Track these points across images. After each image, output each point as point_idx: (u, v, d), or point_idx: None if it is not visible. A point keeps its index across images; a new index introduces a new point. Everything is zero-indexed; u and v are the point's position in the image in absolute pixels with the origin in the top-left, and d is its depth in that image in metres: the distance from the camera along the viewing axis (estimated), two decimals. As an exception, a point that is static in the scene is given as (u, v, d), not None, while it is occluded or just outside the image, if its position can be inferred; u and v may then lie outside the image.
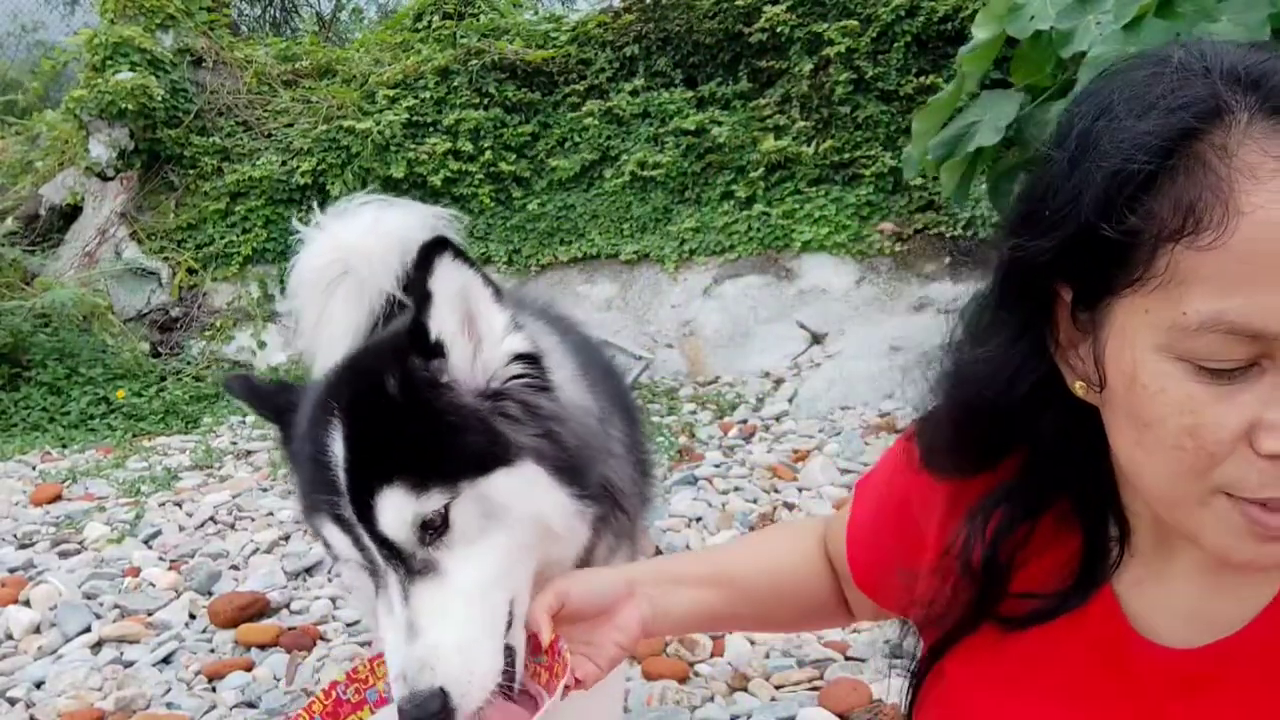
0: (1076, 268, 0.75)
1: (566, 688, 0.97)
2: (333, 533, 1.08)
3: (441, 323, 1.09)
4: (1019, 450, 0.88)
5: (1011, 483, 0.89)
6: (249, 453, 4.71)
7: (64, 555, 3.41)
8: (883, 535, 1.04)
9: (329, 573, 3.09)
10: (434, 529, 1.04)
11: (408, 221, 2.03)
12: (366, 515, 1.03)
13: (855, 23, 6.18)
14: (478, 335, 1.12)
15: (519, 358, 1.14)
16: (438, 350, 1.10)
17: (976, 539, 0.88)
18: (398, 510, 1.02)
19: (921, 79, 6.07)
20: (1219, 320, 0.66)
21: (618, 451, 1.31)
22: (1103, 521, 0.87)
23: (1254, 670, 0.80)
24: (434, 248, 1.07)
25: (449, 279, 1.08)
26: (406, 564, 1.04)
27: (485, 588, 1.05)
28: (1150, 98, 0.70)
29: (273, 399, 1.25)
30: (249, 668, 2.58)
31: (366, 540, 1.05)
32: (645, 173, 6.31)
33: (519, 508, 1.08)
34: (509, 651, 1.05)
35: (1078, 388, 0.80)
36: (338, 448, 1.06)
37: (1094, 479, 0.85)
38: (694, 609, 1.09)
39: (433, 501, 1.02)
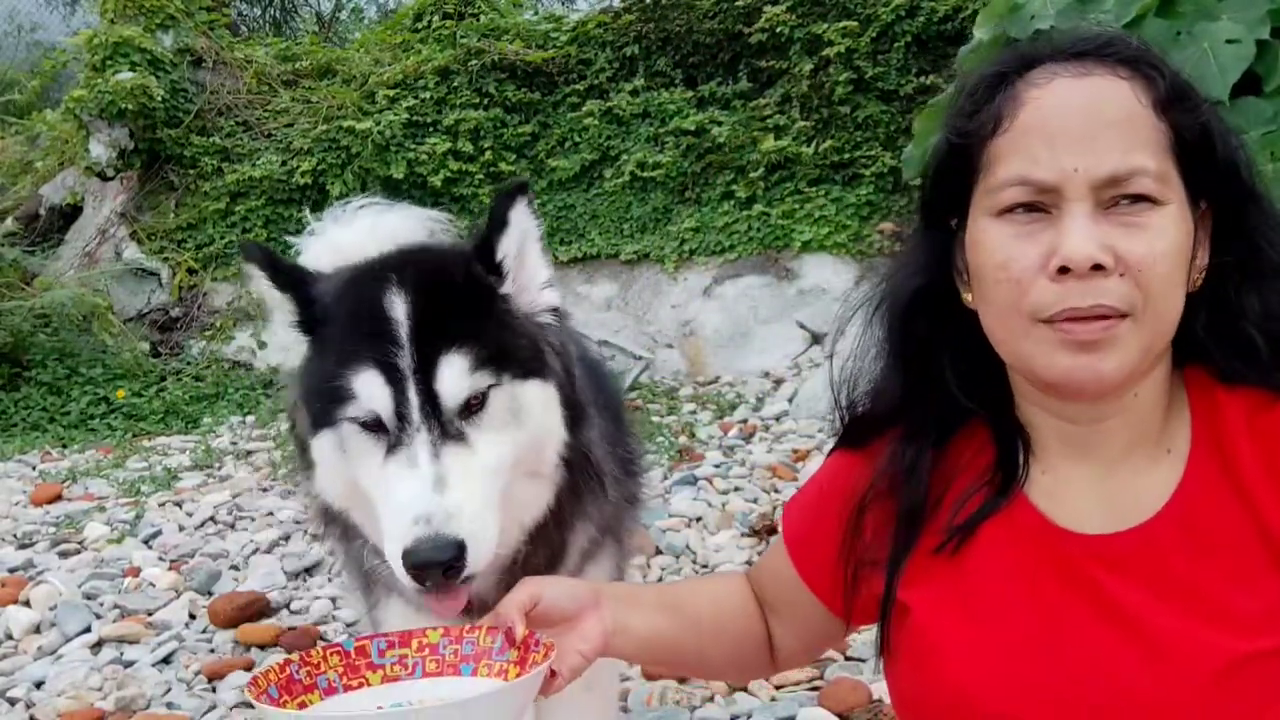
0: (949, 191, 1.01)
1: (553, 672, 0.99)
2: (373, 382, 1.12)
3: (506, 249, 1.25)
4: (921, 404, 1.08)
5: (918, 419, 1.08)
6: (249, 453, 4.71)
7: (64, 555, 3.41)
8: (815, 512, 1.17)
9: (329, 573, 3.09)
10: (471, 406, 1.13)
11: (406, 225, 2.02)
12: (423, 371, 1.11)
13: (855, 23, 6.18)
14: (526, 276, 1.27)
15: (553, 310, 1.30)
16: (498, 269, 1.24)
17: (896, 466, 1.07)
18: (455, 375, 1.12)
19: (921, 79, 6.07)
20: (1011, 177, 0.93)
21: (597, 435, 1.36)
22: (1010, 434, 1.04)
23: (1170, 545, 0.94)
24: (522, 188, 1.27)
25: (523, 219, 1.26)
26: (443, 427, 1.11)
27: (498, 472, 1.14)
28: (1001, 58, 1.01)
29: (291, 272, 1.29)
30: (249, 668, 2.58)
31: (413, 393, 1.11)
32: (645, 173, 6.31)
33: (536, 417, 1.19)
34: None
35: (966, 298, 1.02)
36: (399, 310, 1.14)
37: (993, 400, 1.05)
38: (648, 632, 1.15)
39: (483, 380, 1.14)
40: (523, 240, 1.27)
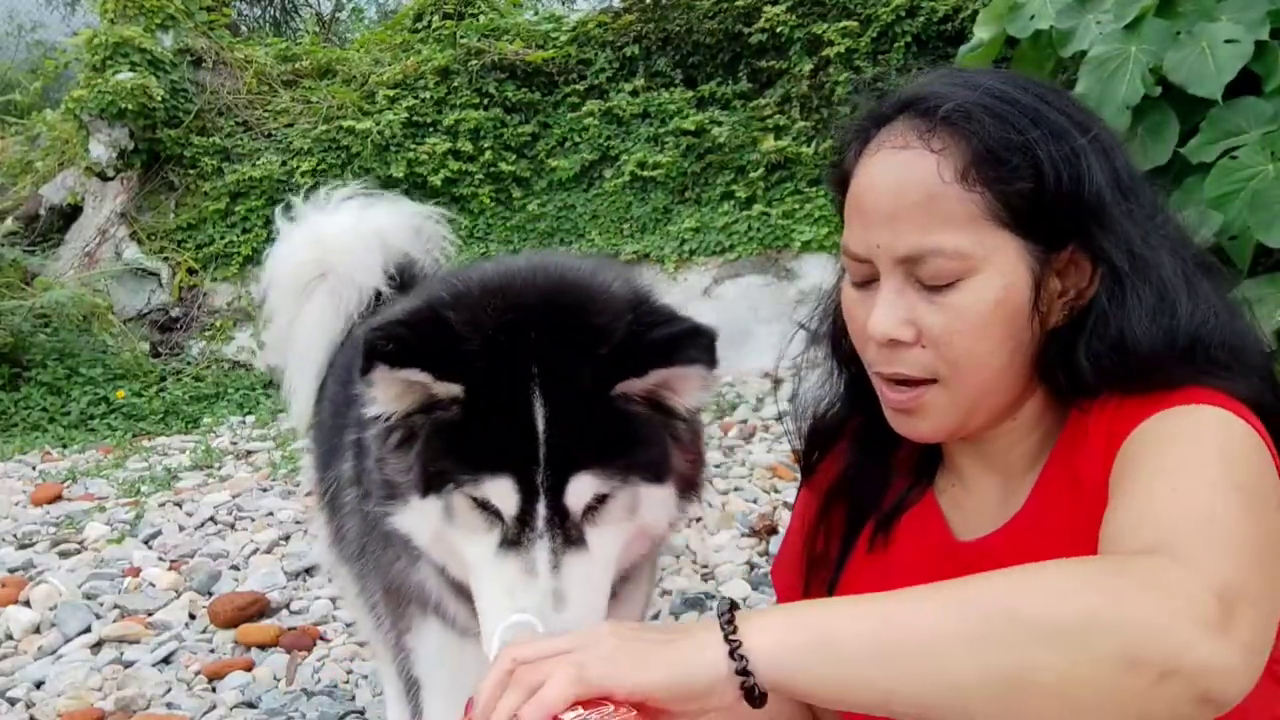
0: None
1: None
2: (503, 487, 1.07)
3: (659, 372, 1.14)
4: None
5: (863, 428, 1.14)
6: (249, 453, 4.71)
7: (64, 555, 3.41)
8: (799, 558, 1.21)
9: (329, 573, 3.09)
10: (593, 506, 1.09)
11: (392, 220, 1.97)
12: (555, 484, 1.07)
13: (855, 23, 6.18)
14: (677, 383, 1.15)
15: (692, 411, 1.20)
16: (643, 370, 1.12)
17: (847, 471, 1.14)
18: (585, 489, 1.07)
19: (921, 79, 6.07)
20: (843, 245, 1.01)
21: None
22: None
23: (1035, 536, 0.99)
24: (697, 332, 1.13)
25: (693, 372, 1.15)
26: (565, 533, 1.08)
27: (610, 567, 1.12)
28: (868, 112, 1.05)
29: (446, 354, 1.10)
30: (249, 668, 2.58)
31: (542, 505, 1.07)
32: (645, 173, 6.31)
33: (650, 516, 1.15)
34: None
35: None
36: (540, 419, 1.06)
37: None
38: None
39: (609, 486, 1.09)
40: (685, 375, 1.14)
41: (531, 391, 1.07)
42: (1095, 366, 0.94)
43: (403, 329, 1.10)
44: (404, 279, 1.94)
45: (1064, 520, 0.96)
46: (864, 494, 1.12)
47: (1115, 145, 0.96)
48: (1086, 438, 0.97)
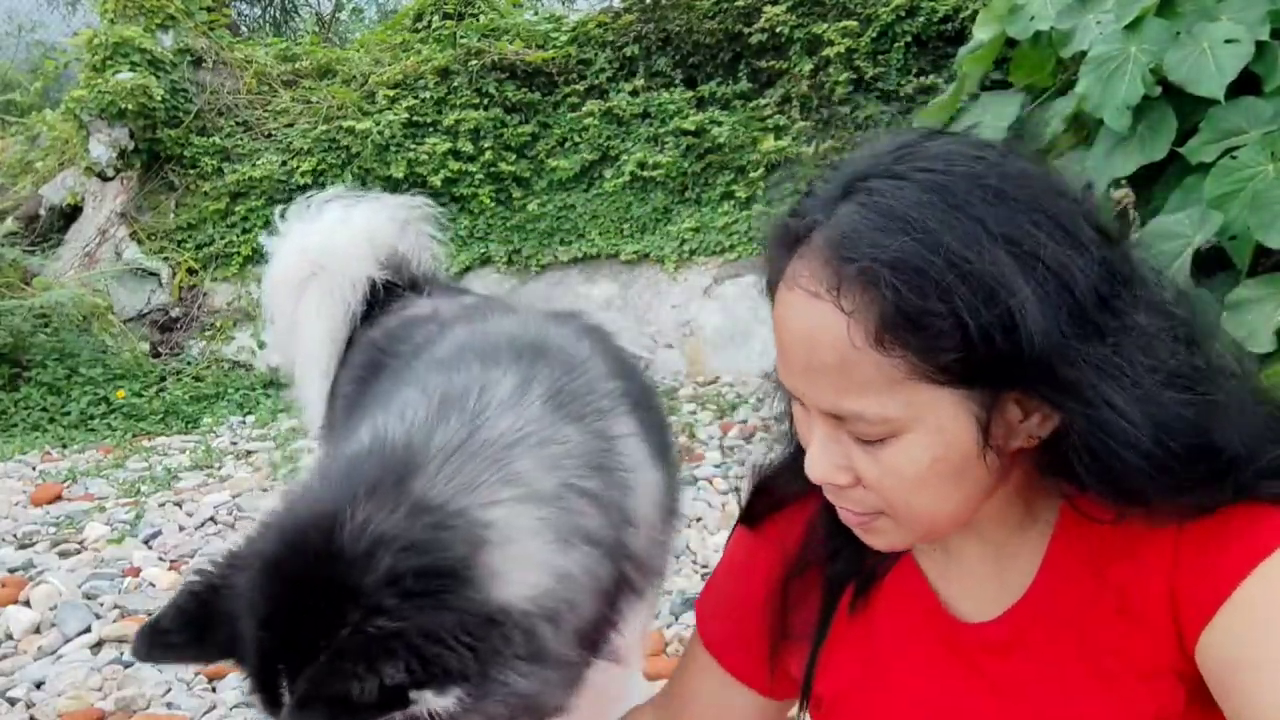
0: None
1: None
2: None
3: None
4: None
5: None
6: (249, 453, 4.71)
7: (64, 555, 3.41)
8: (735, 604, 1.10)
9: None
10: None
11: (376, 215, 1.99)
12: None
13: (855, 23, 6.18)
14: None
15: None
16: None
17: (821, 533, 1.01)
18: None
19: (921, 79, 6.07)
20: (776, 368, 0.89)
21: (648, 514, 1.25)
22: None
23: (1042, 628, 0.91)
24: None
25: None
26: None
27: None
28: (781, 221, 0.87)
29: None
30: (249, 668, 2.58)
31: None
32: (645, 173, 6.31)
33: None
34: None
35: None
36: None
37: None
38: None
39: None
40: None
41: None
42: (1102, 486, 0.82)
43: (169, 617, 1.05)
44: (398, 269, 1.96)
45: (1080, 619, 0.89)
46: (841, 559, 1.00)
47: (1080, 262, 0.77)
48: (1133, 542, 0.85)
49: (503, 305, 1.80)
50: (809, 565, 1.03)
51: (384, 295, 1.94)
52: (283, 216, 2.05)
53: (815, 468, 0.86)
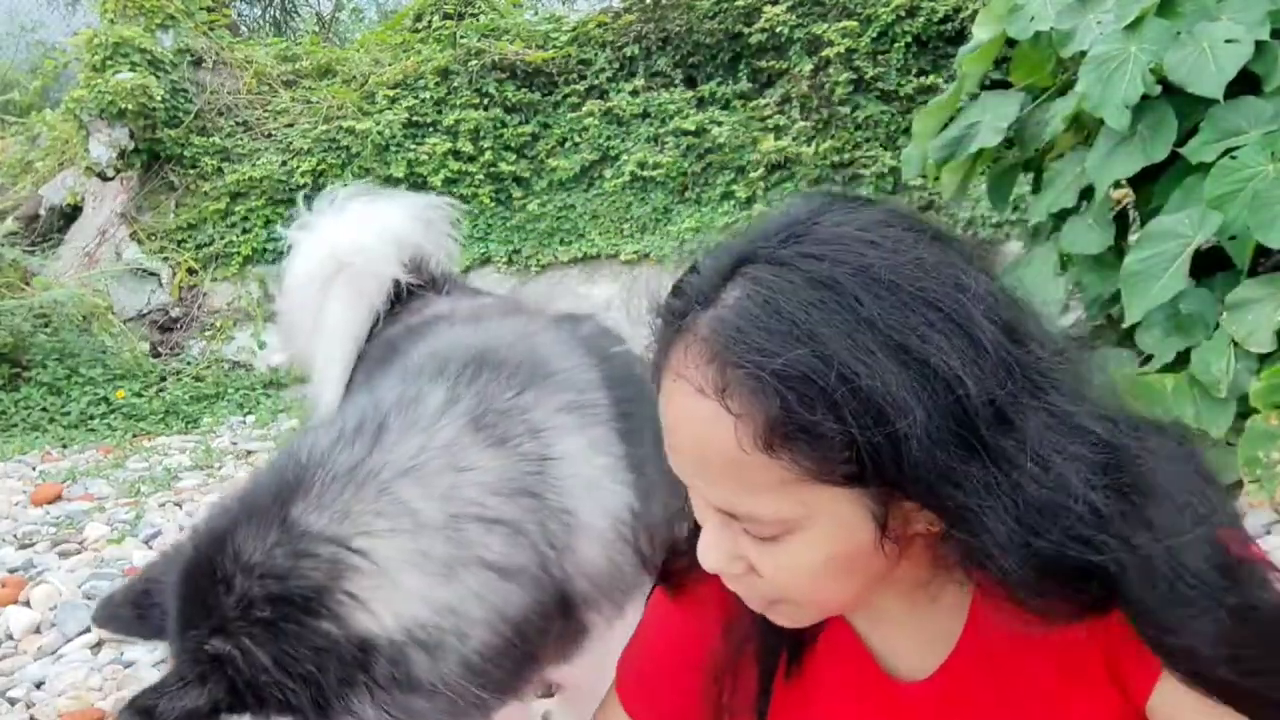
0: None
1: None
2: None
3: None
4: None
5: None
6: (249, 453, 4.71)
7: (64, 555, 3.41)
8: (659, 671, 1.05)
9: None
10: None
11: (399, 213, 1.98)
12: None
13: (855, 23, 6.18)
14: None
15: None
16: None
17: (744, 612, 0.91)
18: None
19: (921, 79, 6.07)
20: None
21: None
22: None
23: (976, 683, 0.87)
24: None
25: None
26: None
27: None
28: (669, 303, 0.83)
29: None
30: (249, 668, 2.58)
31: None
32: (645, 173, 6.31)
33: None
34: None
35: None
36: None
37: None
38: None
39: None
40: None
41: None
42: (993, 586, 0.77)
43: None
44: (419, 269, 1.96)
45: (1014, 674, 0.86)
46: (770, 628, 0.92)
47: (975, 369, 0.71)
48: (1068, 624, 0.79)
49: (516, 306, 1.78)
50: (741, 641, 0.97)
51: (405, 294, 1.94)
52: (307, 209, 2.03)
53: (708, 558, 0.82)
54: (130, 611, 1.13)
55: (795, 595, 0.82)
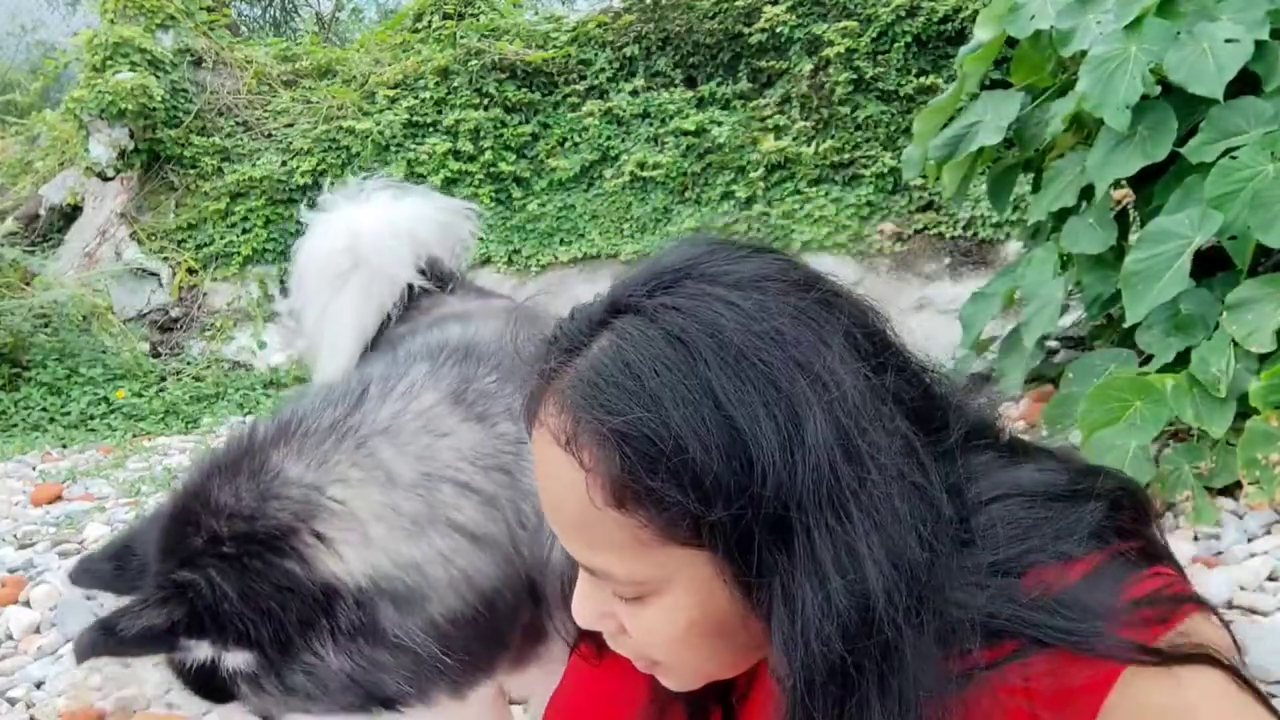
0: None
1: None
2: None
3: None
4: None
5: None
6: (249, 453, 4.71)
7: (64, 555, 3.41)
8: None
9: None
10: None
11: (423, 212, 1.97)
12: None
13: (855, 23, 6.18)
14: None
15: None
16: None
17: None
18: None
19: (921, 79, 6.07)
20: None
21: None
22: None
23: None
24: None
25: None
26: None
27: None
28: (541, 348, 0.78)
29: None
30: (249, 668, 2.58)
31: None
32: (645, 173, 6.31)
33: None
34: None
35: None
36: None
37: None
38: None
39: None
40: None
41: None
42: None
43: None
44: (433, 273, 1.95)
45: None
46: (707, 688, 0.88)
47: (806, 458, 0.68)
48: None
49: (531, 313, 1.74)
50: (667, 699, 0.91)
51: (418, 293, 1.92)
52: (318, 203, 2.00)
53: (579, 614, 0.80)
54: (109, 565, 1.16)
55: (665, 660, 0.79)
